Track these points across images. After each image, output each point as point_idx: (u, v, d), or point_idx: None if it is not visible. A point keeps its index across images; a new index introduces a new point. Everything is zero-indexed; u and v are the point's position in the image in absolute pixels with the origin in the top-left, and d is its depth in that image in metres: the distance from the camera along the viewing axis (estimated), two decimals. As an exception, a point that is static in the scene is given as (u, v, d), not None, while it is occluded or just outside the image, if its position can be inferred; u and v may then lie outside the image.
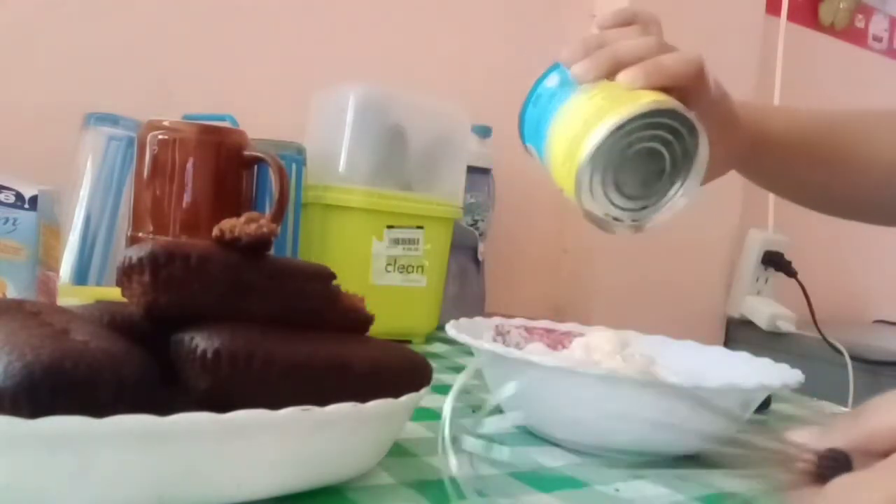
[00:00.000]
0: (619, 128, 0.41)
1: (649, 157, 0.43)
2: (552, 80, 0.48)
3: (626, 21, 0.49)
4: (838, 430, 0.28)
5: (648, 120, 0.42)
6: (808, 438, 0.28)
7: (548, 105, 0.47)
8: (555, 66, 0.48)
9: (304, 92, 0.81)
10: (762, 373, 0.48)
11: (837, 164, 0.62)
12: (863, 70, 1.51)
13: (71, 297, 0.53)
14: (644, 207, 0.45)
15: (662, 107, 0.42)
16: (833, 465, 0.28)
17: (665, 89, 0.45)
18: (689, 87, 0.47)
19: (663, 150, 0.43)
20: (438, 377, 0.38)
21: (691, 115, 0.42)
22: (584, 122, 0.43)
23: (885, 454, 0.26)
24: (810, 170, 0.62)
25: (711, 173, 0.46)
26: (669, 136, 0.43)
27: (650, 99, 0.42)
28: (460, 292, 0.88)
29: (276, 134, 0.72)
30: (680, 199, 0.45)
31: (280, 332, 0.33)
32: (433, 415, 0.46)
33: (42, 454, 0.25)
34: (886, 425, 0.27)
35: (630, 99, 0.43)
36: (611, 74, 0.45)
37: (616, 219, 0.45)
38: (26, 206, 0.49)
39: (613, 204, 0.44)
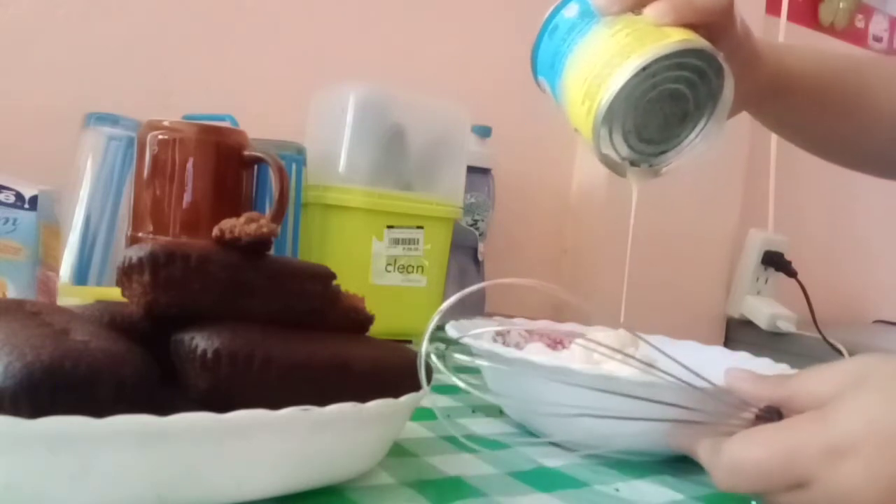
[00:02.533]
0: (645, 69, 0.39)
1: (672, 98, 0.41)
2: (571, 10, 0.44)
3: None
4: (771, 384, 0.35)
5: (676, 60, 0.39)
6: (747, 386, 0.35)
7: (566, 38, 0.43)
8: None
9: (304, 92, 0.81)
10: (762, 373, 0.48)
11: (853, 109, 0.61)
12: (863, 70, 1.51)
13: (71, 297, 0.53)
14: (663, 152, 0.43)
15: (692, 46, 0.40)
16: (766, 418, 0.34)
17: (692, 26, 0.42)
18: (717, 23, 0.45)
19: (687, 91, 0.41)
20: (438, 377, 0.38)
21: (720, 55, 0.40)
22: (606, 61, 0.40)
23: (800, 412, 0.32)
24: (825, 112, 0.60)
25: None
26: (695, 77, 0.41)
27: (679, 38, 0.40)
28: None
29: (276, 134, 0.72)
30: (700, 142, 0.43)
31: (280, 332, 0.33)
32: (433, 415, 0.46)
33: (42, 454, 0.25)
34: (806, 389, 0.33)
35: (657, 37, 0.40)
36: (636, 7, 0.42)
37: (633, 163, 0.43)
38: (26, 206, 0.49)
39: (632, 148, 0.42)
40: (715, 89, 0.42)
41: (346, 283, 0.38)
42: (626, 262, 0.46)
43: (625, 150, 0.43)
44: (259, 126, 0.68)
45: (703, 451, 0.35)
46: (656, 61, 0.39)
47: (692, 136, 0.43)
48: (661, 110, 0.42)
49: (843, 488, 0.29)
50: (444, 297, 0.79)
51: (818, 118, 0.61)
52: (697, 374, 0.36)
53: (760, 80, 0.54)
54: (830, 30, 1.46)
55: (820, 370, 0.33)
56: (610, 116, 0.40)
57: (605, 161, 0.43)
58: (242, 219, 0.33)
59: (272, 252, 0.35)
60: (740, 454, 0.32)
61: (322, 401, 0.30)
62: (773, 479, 0.31)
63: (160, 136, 0.60)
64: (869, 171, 0.69)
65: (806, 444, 0.30)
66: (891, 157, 0.63)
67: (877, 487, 0.29)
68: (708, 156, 0.43)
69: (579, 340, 0.47)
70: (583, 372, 0.39)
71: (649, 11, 0.42)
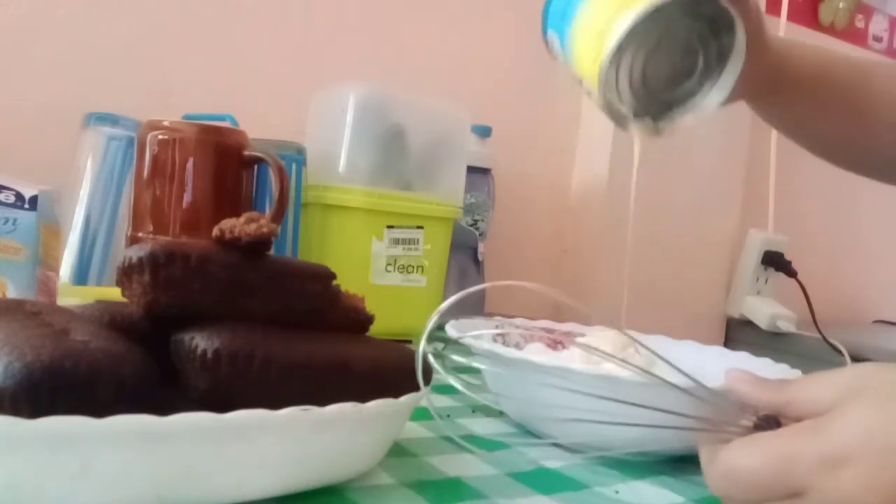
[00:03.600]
0: (657, 10, 0.39)
1: (682, 51, 0.41)
2: None
3: None
4: (770, 387, 0.35)
5: (690, 7, 0.40)
6: (746, 388, 0.35)
7: None
8: None
9: (304, 92, 0.81)
10: (762, 373, 0.48)
11: (857, 111, 0.61)
12: (863, 70, 1.51)
13: (71, 297, 0.53)
14: (669, 108, 0.43)
15: None
16: (765, 427, 0.34)
17: None
18: None
19: (698, 44, 0.41)
20: (438, 377, 0.38)
21: (733, 8, 0.40)
22: (620, 2, 0.40)
23: (797, 420, 0.32)
24: (827, 112, 0.60)
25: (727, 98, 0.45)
26: (707, 32, 0.41)
27: None
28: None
29: (276, 134, 0.72)
30: (707, 102, 0.43)
31: (280, 332, 0.33)
32: (433, 415, 0.46)
33: (42, 454, 0.25)
34: (805, 396, 0.33)
35: None
36: None
37: (636, 115, 0.43)
38: (26, 206, 0.49)
39: (637, 99, 0.42)
40: (725, 49, 0.41)
41: (346, 283, 0.38)
42: (626, 260, 0.46)
43: (630, 101, 0.42)
44: (259, 126, 0.68)
45: (702, 456, 0.35)
46: (668, 4, 0.39)
47: (700, 93, 0.43)
48: (670, 61, 0.41)
49: (841, 497, 0.29)
50: (444, 297, 0.79)
51: (820, 117, 0.61)
52: (694, 379, 0.36)
53: (763, 70, 0.54)
54: (830, 30, 1.46)
55: (820, 377, 0.33)
56: (619, 56, 0.40)
57: (609, 108, 0.42)
58: (242, 219, 0.33)
59: (272, 252, 0.35)
60: (736, 462, 0.32)
61: (322, 401, 0.30)
62: (768, 487, 0.31)
63: (160, 136, 0.60)
64: (871, 175, 0.68)
65: (802, 453, 0.30)
66: (892, 162, 0.63)
67: (877, 493, 0.29)
68: (711, 113, 0.42)
69: (578, 339, 0.47)
70: (582, 372, 0.39)
71: None
